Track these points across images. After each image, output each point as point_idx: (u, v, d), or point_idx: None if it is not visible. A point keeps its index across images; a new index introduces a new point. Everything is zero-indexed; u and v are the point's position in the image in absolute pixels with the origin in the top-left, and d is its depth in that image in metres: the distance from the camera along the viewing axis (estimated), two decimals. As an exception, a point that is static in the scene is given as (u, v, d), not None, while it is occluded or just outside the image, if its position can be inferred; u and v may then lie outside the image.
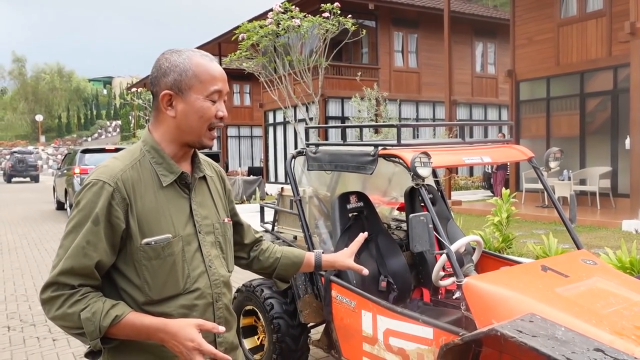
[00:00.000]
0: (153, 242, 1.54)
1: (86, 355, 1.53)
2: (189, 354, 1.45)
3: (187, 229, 1.63)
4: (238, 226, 1.98)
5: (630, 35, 10.09)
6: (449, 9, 14.37)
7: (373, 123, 14.51)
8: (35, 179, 34.16)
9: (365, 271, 2.08)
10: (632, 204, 10.37)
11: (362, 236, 2.08)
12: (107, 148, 15.98)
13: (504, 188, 8.27)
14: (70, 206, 14.62)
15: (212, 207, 1.74)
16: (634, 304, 2.76)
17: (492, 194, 15.76)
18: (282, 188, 4.61)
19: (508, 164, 14.54)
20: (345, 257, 2.10)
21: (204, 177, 1.76)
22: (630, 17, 10.15)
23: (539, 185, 13.48)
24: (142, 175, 1.59)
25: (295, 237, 4.32)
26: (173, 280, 1.59)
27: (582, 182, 12.83)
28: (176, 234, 1.60)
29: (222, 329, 1.54)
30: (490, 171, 15.78)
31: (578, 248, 3.49)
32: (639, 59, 10.09)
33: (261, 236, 2.09)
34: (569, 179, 12.30)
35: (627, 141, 10.85)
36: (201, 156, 1.80)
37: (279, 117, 20.51)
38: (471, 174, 20.69)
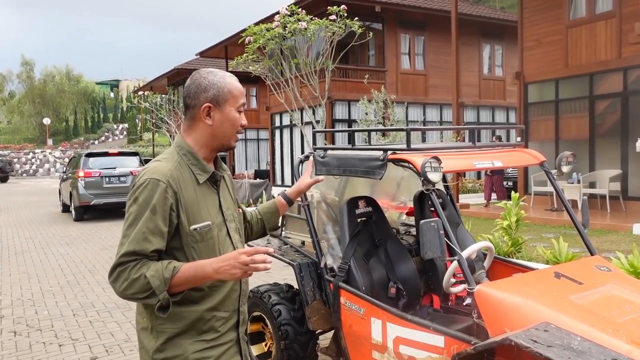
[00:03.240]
0: (199, 228, 1.89)
1: (157, 309, 1.78)
2: (236, 259, 1.74)
3: (219, 218, 1.98)
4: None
5: (640, 37, 9.98)
6: (456, 11, 14.29)
7: (381, 127, 14.45)
8: (5, 179, 38.94)
9: (322, 177, 2.67)
10: (643, 207, 10.25)
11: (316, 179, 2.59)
12: (110, 152, 16.09)
13: (513, 192, 8.16)
14: (75, 209, 14.69)
15: (230, 200, 2.10)
16: (651, 313, 2.69)
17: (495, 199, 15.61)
18: (289, 193, 4.55)
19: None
20: (304, 180, 2.56)
21: (222, 175, 2.09)
22: (641, 18, 10.04)
23: (548, 189, 13.36)
24: (183, 174, 1.91)
25: (303, 243, 4.27)
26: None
27: (592, 185, 12.71)
28: (213, 221, 1.94)
29: (269, 250, 1.82)
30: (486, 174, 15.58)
31: (592, 254, 3.42)
32: (649, 60, 9.98)
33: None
34: (579, 181, 12.19)
35: (638, 143, 10.74)
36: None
37: (286, 120, 20.47)
38: (479, 177, 20.56)
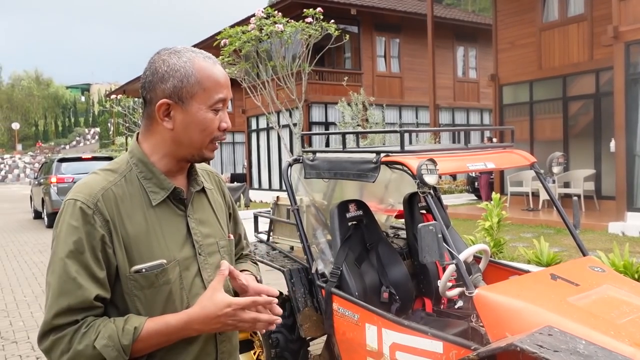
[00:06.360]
0: (144, 270, 1.34)
1: None
2: (240, 318, 1.33)
3: (185, 252, 1.42)
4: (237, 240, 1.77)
5: (613, 39, 10.15)
6: (432, 14, 14.38)
7: (360, 129, 14.44)
8: None
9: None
10: (618, 206, 10.42)
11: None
12: (83, 157, 15.77)
13: (494, 192, 8.21)
14: (48, 216, 14.33)
15: (215, 224, 1.54)
16: (649, 313, 2.68)
17: (477, 198, 15.78)
18: (277, 197, 4.47)
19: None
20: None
21: (203, 190, 1.55)
22: (613, 21, 10.22)
23: (524, 189, 13.52)
24: (128, 192, 1.39)
25: (292, 248, 4.19)
26: (170, 311, 1.37)
27: (566, 184, 12.89)
28: (171, 258, 1.39)
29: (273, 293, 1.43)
30: (474, 175, 15.78)
31: (584, 255, 3.41)
32: (622, 62, 10.16)
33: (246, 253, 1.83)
34: (554, 182, 12.32)
35: (612, 144, 10.92)
36: (198, 165, 1.58)
37: (262, 123, 20.33)
38: (454, 178, 20.72)
